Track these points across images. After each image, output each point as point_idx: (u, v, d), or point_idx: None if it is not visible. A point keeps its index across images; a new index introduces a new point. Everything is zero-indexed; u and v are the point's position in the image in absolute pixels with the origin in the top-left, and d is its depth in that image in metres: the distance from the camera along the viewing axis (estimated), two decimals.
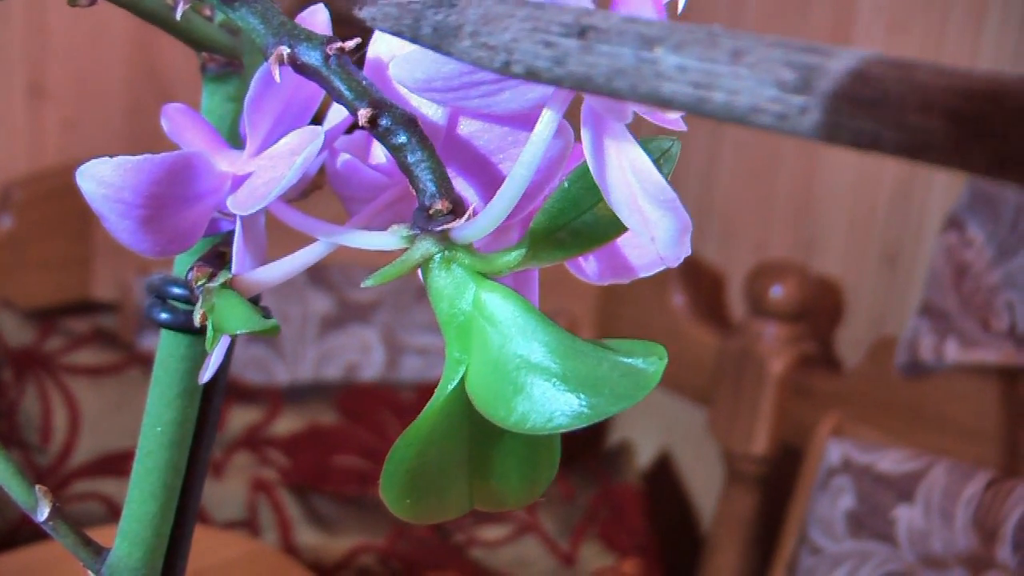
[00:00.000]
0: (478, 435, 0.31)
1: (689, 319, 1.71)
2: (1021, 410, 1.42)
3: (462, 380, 0.29)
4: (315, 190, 0.34)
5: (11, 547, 1.37)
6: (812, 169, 1.67)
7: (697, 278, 1.76)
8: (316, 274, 1.74)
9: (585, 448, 1.86)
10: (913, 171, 1.59)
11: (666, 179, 0.29)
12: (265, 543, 1.51)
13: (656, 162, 0.30)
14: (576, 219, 0.29)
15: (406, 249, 0.29)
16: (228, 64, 0.36)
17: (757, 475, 1.63)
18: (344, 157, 0.32)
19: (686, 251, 0.31)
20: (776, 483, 1.63)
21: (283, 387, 1.71)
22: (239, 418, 1.64)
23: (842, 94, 0.21)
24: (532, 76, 0.23)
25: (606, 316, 1.81)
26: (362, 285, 0.28)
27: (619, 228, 0.29)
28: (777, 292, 1.56)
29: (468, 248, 0.29)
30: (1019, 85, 0.20)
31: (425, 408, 0.29)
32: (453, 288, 0.28)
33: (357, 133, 0.34)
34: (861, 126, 0.21)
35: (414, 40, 0.26)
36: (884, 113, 0.21)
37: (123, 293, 1.80)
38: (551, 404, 0.27)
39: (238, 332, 0.29)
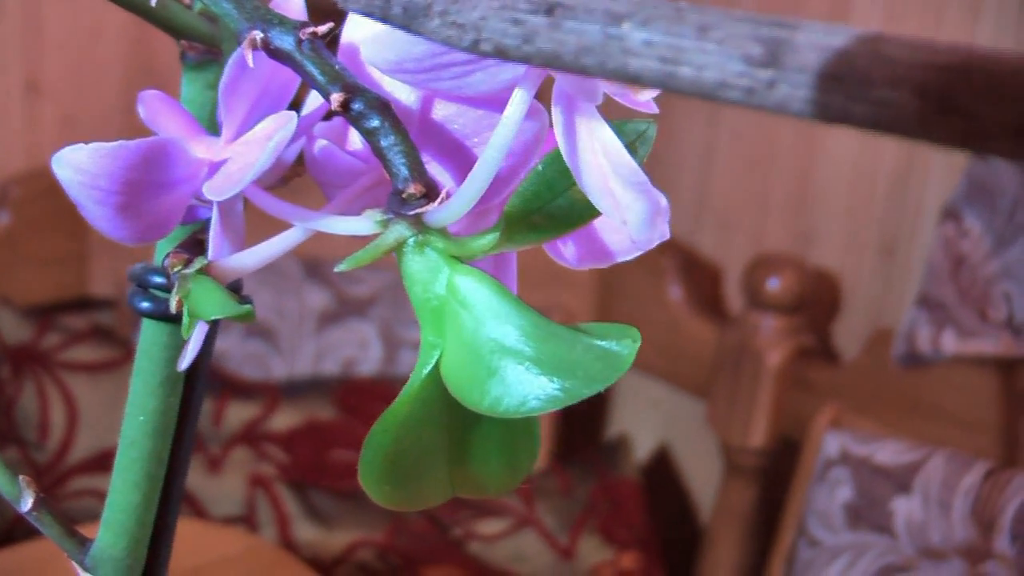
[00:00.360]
0: (455, 420, 0.31)
1: (687, 312, 1.71)
2: (1018, 400, 1.42)
3: (437, 364, 0.29)
4: (294, 177, 0.34)
5: (7, 544, 1.37)
6: (809, 161, 1.67)
7: (694, 271, 1.76)
8: (313, 269, 1.74)
9: (583, 442, 1.86)
10: (910, 162, 1.59)
11: (639, 161, 0.29)
12: (263, 538, 1.51)
13: (631, 144, 0.30)
14: (551, 202, 0.29)
15: (380, 234, 0.29)
16: (207, 52, 0.36)
17: (755, 467, 1.63)
18: (321, 143, 0.32)
19: (661, 235, 0.31)
20: (774, 475, 1.63)
21: (281, 382, 1.71)
22: (237, 414, 1.64)
23: (809, 68, 0.21)
24: (501, 54, 0.23)
25: (603, 310, 1.81)
26: (335, 269, 0.28)
27: (594, 211, 0.29)
28: (774, 284, 1.56)
29: (442, 232, 0.29)
30: (987, 59, 0.20)
31: (400, 393, 0.29)
32: (427, 272, 0.28)
33: (335, 120, 0.33)
34: (829, 100, 0.21)
35: (384, 20, 0.26)
36: (852, 87, 0.20)
37: (120, 290, 1.80)
38: (524, 387, 0.27)
39: (213, 317, 0.29)
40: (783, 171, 1.70)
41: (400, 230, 0.28)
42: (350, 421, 1.66)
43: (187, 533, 1.36)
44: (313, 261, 1.73)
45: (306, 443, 1.64)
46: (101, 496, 1.54)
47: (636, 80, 0.21)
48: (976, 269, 1.43)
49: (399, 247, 0.29)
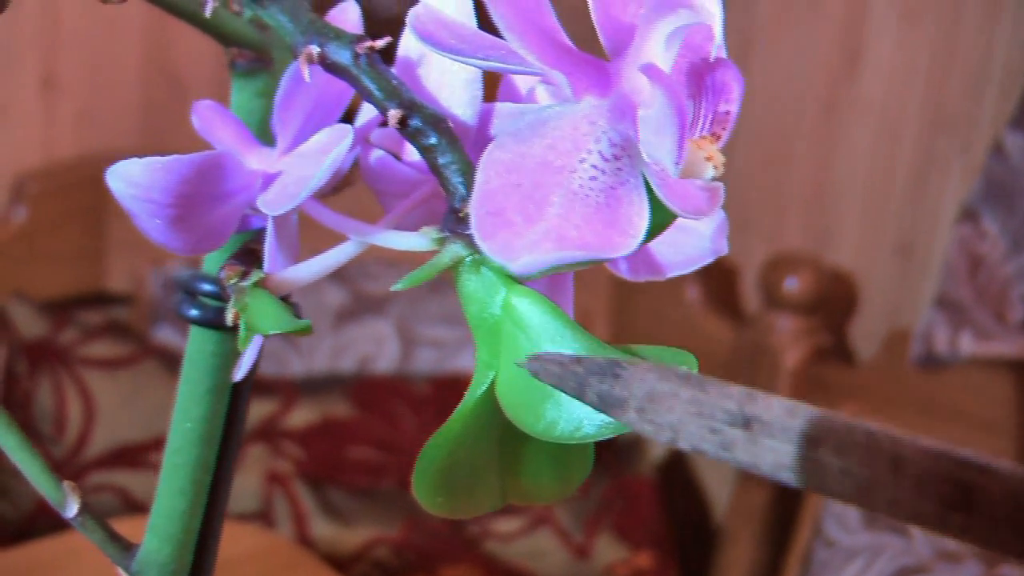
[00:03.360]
0: (509, 435, 0.31)
1: (703, 312, 1.71)
2: None
3: (492, 384, 0.29)
4: (347, 186, 0.34)
5: (27, 539, 1.37)
6: (826, 161, 1.67)
7: (711, 271, 1.76)
8: None
9: (599, 441, 1.86)
10: (928, 162, 1.59)
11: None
12: (280, 535, 1.52)
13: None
14: None
15: (436, 252, 0.29)
16: (257, 59, 0.36)
17: None
18: (377, 153, 0.32)
19: (723, 248, 0.32)
20: None
21: (298, 379, 1.71)
22: (254, 410, 1.65)
23: (999, 516, 0.21)
24: (699, 453, 0.24)
25: (621, 310, 1.81)
26: (392, 288, 0.28)
27: (654, 233, 0.29)
28: (791, 284, 1.56)
29: None
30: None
31: (456, 411, 0.29)
32: (483, 292, 0.28)
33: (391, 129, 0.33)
34: (1018, 547, 0.21)
35: (579, 400, 0.27)
36: None
37: (137, 285, 1.80)
38: (580, 412, 0.27)
39: (272, 332, 0.29)
40: (800, 171, 1.70)
41: (456, 249, 0.28)
42: (367, 418, 1.66)
43: None
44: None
45: (323, 440, 1.64)
46: (118, 492, 1.55)
47: (833, 499, 0.22)
48: (993, 270, 1.43)
49: (455, 266, 0.29)
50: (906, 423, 1.49)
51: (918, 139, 1.60)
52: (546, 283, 0.33)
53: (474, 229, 0.25)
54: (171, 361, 1.63)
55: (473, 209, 0.25)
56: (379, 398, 1.68)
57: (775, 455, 0.23)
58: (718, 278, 1.78)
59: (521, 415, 0.28)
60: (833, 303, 1.65)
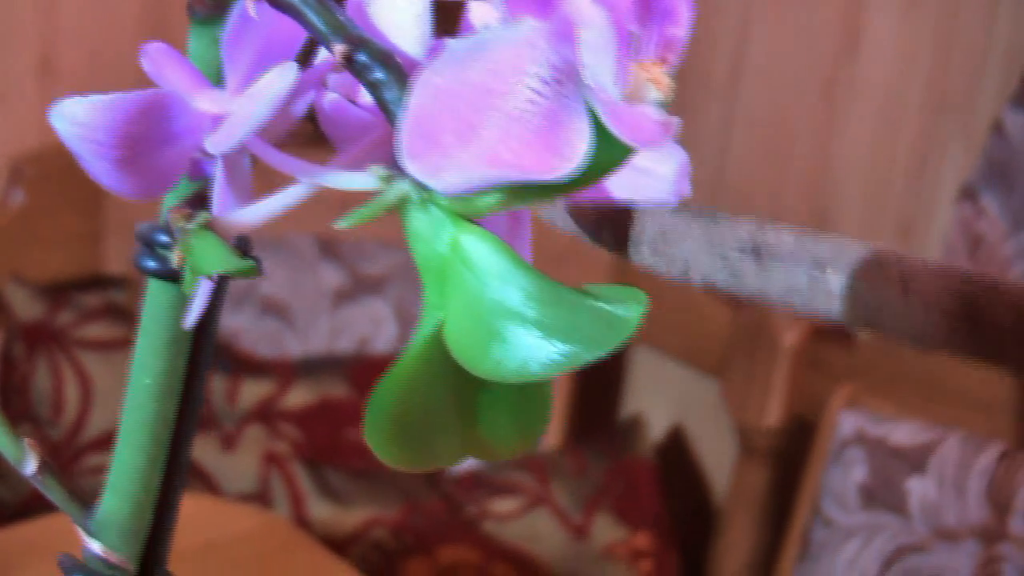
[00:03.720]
0: (463, 382, 0.31)
1: (702, 291, 1.70)
2: None
3: (440, 325, 0.28)
4: (304, 132, 0.34)
5: (23, 518, 1.37)
6: (826, 141, 1.66)
7: None
8: (328, 247, 1.73)
9: (598, 421, 1.86)
10: (928, 143, 1.58)
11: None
12: (277, 515, 1.51)
13: None
14: None
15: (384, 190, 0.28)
16: (216, 6, 0.36)
17: (770, 448, 1.62)
18: (331, 96, 0.32)
19: (686, 190, 0.31)
20: (789, 456, 1.62)
21: (295, 360, 1.71)
22: (251, 392, 1.64)
23: (1004, 327, 0.21)
24: (709, 285, 0.25)
25: None
26: (336, 226, 0.27)
27: (606, 168, 0.28)
28: None
29: None
30: None
31: (402, 353, 0.29)
32: (430, 230, 0.28)
33: (348, 72, 0.33)
34: (1021, 357, 0.22)
35: (595, 241, 0.27)
36: None
37: (134, 268, 1.79)
38: (526, 351, 0.27)
39: (214, 272, 0.29)
40: (800, 152, 1.69)
41: (403, 186, 0.28)
42: (365, 399, 1.65)
43: (200, 509, 1.36)
44: (328, 239, 1.73)
45: (321, 421, 1.64)
46: None
47: (837, 319, 0.23)
48: (993, 250, 1.42)
49: (402, 204, 0.28)
50: (905, 402, 1.48)
51: (918, 119, 1.59)
52: (504, 227, 0.32)
53: (402, 150, 0.24)
54: None
55: (403, 131, 0.24)
56: (377, 379, 1.68)
57: (785, 279, 0.23)
58: None
59: (468, 355, 0.27)
60: None
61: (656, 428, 1.85)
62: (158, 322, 0.37)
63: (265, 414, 1.63)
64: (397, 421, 0.30)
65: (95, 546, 0.40)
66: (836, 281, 0.22)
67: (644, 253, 0.25)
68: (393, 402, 0.29)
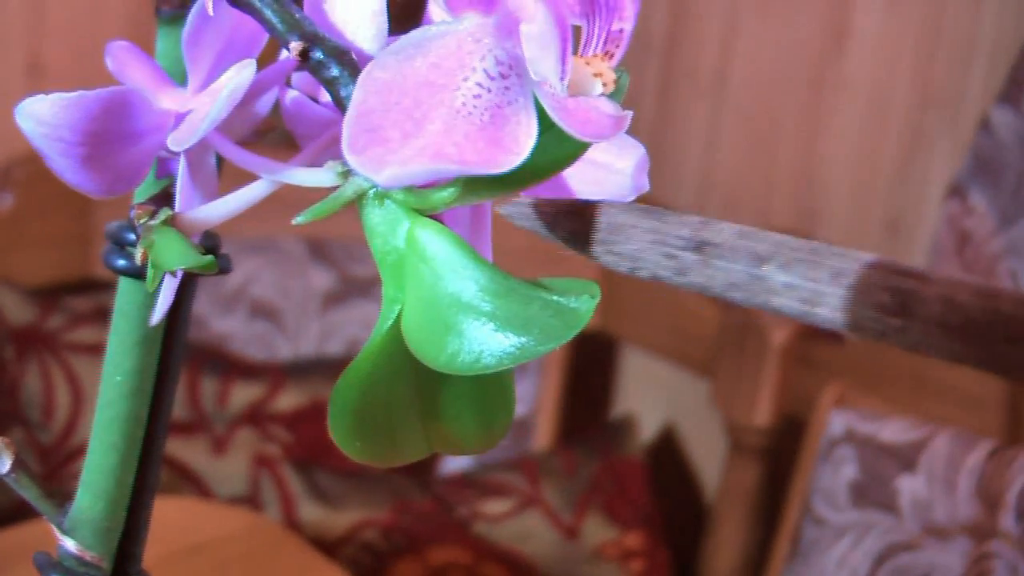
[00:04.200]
0: (424, 376, 0.31)
1: (691, 291, 1.70)
2: None
3: (398, 319, 0.29)
4: (268, 131, 0.34)
5: (16, 523, 1.37)
6: (814, 138, 1.66)
7: None
8: (317, 250, 1.74)
9: (588, 421, 1.86)
10: (915, 140, 1.58)
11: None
12: (266, 517, 1.51)
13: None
14: None
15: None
16: (182, 6, 0.36)
17: (760, 446, 1.63)
18: (292, 94, 0.32)
19: (644, 186, 0.32)
20: (779, 454, 1.62)
21: (285, 363, 1.71)
22: (241, 394, 1.64)
23: (934, 319, 0.22)
24: (656, 280, 0.25)
25: (608, 290, 1.80)
26: (293, 222, 0.28)
27: (560, 163, 0.28)
28: None
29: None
30: None
31: (363, 348, 0.29)
32: (386, 224, 0.28)
33: None
34: (952, 347, 0.23)
35: (550, 237, 0.28)
36: (970, 339, 0.22)
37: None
38: (480, 344, 0.27)
39: (176, 268, 0.29)
40: (788, 149, 1.69)
41: (359, 182, 0.28)
42: None
43: (189, 511, 1.36)
44: (317, 242, 1.73)
45: (311, 423, 1.64)
46: None
47: (778, 313, 0.23)
48: (981, 246, 1.42)
49: (359, 199, 0.28)
50: (894, 400, 1.49)
51: (905, 116, 1.60)
52: (466, 223, 0.32)
53: (345, 145, 0.25)
54: None
55: (346, 126, 0.24)
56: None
57: (726, 275, 0.24)
58: None
59: (424, 348, 0.28)
60: None
61: (647, 428, 1.85)
62: (128, 320, 0.38)
63: (255, 417, 1.63)
64: (359, 415, 0.30)
65: (69, 544, 0.40)
66: (774, 276, 0.23)
67: (596, 250, 0.26)
68: (355, 396, 0.29)
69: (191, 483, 1.58)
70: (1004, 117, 1.42)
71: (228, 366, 1.67)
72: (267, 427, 1.62)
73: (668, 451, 1.84)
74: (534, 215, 0.27)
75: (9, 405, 1.61)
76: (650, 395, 1.87)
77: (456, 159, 0.24)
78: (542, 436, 1.75)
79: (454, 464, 1.75)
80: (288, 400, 1.65)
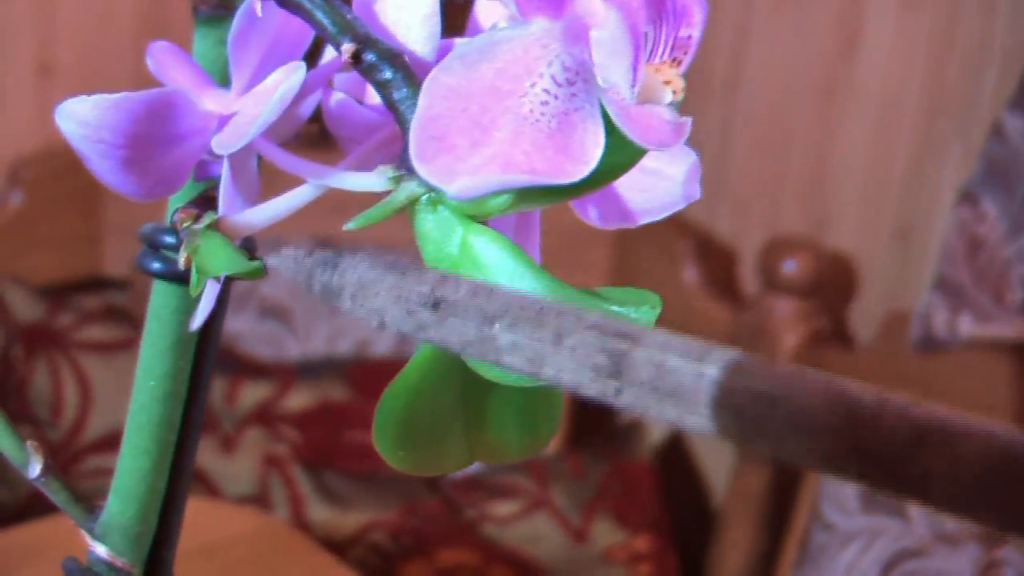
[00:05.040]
0: (471, 385, 0.30)
1: (702, 295, 1.70)
2: None
3: None
4: (312, 133, 0.34)
5: (22, 521, 1.37)
6: (825, 144, 1.66)
7: (710, 254, 1.75)
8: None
9: (597, 425, 1.86)
10: (926, 145, 1.58)
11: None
12: (275, 517, 1.51)
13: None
14: None
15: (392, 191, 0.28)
16: (220, 6, 0.35)
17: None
18: (337, 96, 0.32)
19: (696, 193, 0.31)
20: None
21: (295, 363, 1.71)
22: (251, 394, 1.64)
23: (645, 382, 0.22)
24: (404, 337, 0.25)
25: None
26: (344, 227, 0.27)
27: (617, 170, 0.28)
28: (790, 267, 1.55)
29: None
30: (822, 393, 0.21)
31: (412, 358, 0.28)
32: (439, 231, 0.28)
33: (355, 72, 0.33)
34: (666, 412, 0.22)
35: (309, 291, 0.28)
36: (684, 405, 0.22)
37: (133, 270, 1.79)
38: None
39: (221, 273, 0.28)
40: (799, 154, 1.69)
41: (412, 187, 0.28)
42: (364, 402, 1.66)
43: (197, 511, 1.36)
44: (327, 241, 1.73)
45: (320, 424, 1.64)
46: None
47: (510, 371, 0.24)
48: (993, 253, 1.42)
49: (411, 204, 0.28)
50: None
51: (917, 122, 1.59)
52: (512, 227, 0.32)
53: (412, 154, 0.24)
54: None
55: (413, 134, 0.24)
56: (377, 382, 1.68)
57: (460, 333, 0.24)
58: (717, 261, 1.77)
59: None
60: (832, 286, 1.64)
61: (655, 431, 1.84)
62: (163, 324, 0.37)
63: (265, 417, 1.62)
64: (405, 425, 0.30)
65: (100, 550, 0.39)
66: (502, 336, 0.23)
67: (347, 305, 0.26)
68: (401, 406, 0.29)
69: (200, 483, 1.58)
70: (1016, 123, 1.42)
71: (237, 366, 1.66)
72: (276, 427, 1.62)
73: (677, 455, 1.84)
74: (295, 267, 0.28)
75: (18, 403, 1.61)
76: None
77: (526, 168, 0.24)
78: (551, 440, 1.75)
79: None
80: (297, 400, 1.65)
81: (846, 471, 0.20)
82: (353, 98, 0.32)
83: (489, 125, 0.24)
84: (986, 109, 1.53)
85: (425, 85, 0.25)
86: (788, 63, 1.68)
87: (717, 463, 1.79)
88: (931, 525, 1.37)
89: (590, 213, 0.32)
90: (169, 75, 0.31)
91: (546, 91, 0.25)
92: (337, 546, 1.51)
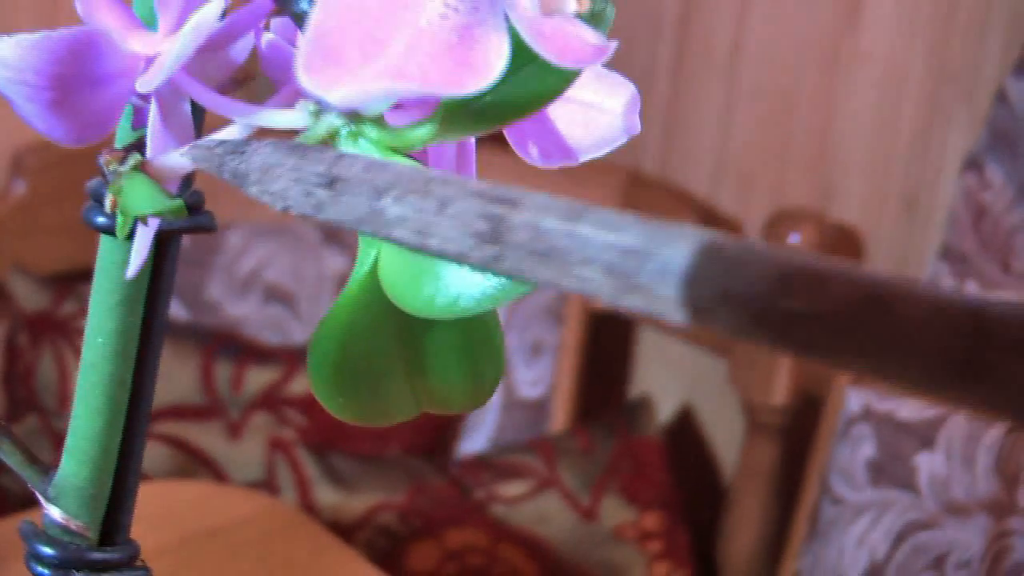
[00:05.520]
0: (407, 328, 0.30)
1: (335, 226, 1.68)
2: None
3: (375, 264, 0.27)
4: (247, 79, 0.33)
5: (27, 510, 1.37)
6: (828, 115, 1.65)
7: (714, 227, 1.74)
8: (331, 233, 1.73)
9: (605, 402, 1.85)
10: (931, 114, 1.56)
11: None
12: (281, 500, 1.51)
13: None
14: (493, 88, 0.27)
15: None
16: None
17: (778, 425, 1.61)
18: (268, 37, 0.31)
19: (636, 126, 0.30)
20: (797, 433, 1.61)
21: (300, 347, 1.70)
22: (256, 379, 1.64)
23: (523, 246, 0.22)
24: (305, 218, 0.26)
25: None
26: None
27: (542, 97, 0.27)
28: (795, 240, 1.54)
29: (378, 122, 0.27)
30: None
31: (340, 296, 0.28)
32: None
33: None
34: (541, 275, 0.22)
35: (218, 176, 0.28)
36: (559, 266, 0.22)
37: None
38: (458, 286, 0.26)
39: (144, 213, 0.28)
40: (802, 126, 1.68)
41: (332, 120, 0.27)
42: None
43: (204, 496, 1.36)
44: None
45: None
46: None
47: (401, 245, 0.24)
48: (998, 220, 1.41)
49: (331, 138, 0.27)
50: None
51: (921, 90, 1.58)
52: (450, 162, 0.31)
53: (299, 66, 0.23)
54: (171, 332, 1.62)
55: (302, 47, 0.23)
56: None
57: (353, 209, 0.25)
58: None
59: (400, 292, 0.27)
60: (838, 258, 1.63)
61: (664, 408, 1.84)
62: (109, 279, 0.37)
63: (270, 401, 1.62)
64: (340, 369, 0.29)
65: (54, 512, 0.39)
66: (390, 208, 0.23)
67: (253, 190, 0.26)
68: (334, 348, 0.28)
69: (206, 468, 1.57)
70: (1021, 89, 1.41)
71: (242, 350, 1.66)
72: (282, 411, 1.62)
73: (685, 431, 1.83)
74: (207, 156, 0.27)
75: (24, 391, 1.61)
76: (667, 375, 1.86)
77: (419, 79, 0.23)
78: (559, 417, 1.74)
79: (470, 446, 1.74)
80: (303, 384, 1.64)
81: (715, 318, 0.20)
82: (287, 41, 0.32)
83: (384, 38, 0.23)
84: (990, 75, 1.51)
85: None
86: (791, 34, 1.67)
87: (726, 439, 1.79)
88: (940, 497, 1.36)
89: (530, 150, 0.31)
90: (96, 16, 0.31)
91: (446, 4, 0.24)
92: (345, 529, 1.51)
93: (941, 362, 0.18)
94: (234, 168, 0.27)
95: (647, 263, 0.20)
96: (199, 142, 0.28)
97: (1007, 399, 0.18)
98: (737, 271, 0.19)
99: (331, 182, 0.25)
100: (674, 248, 0.20)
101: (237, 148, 0.27)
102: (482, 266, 0.22)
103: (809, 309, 0.19)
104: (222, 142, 0.27)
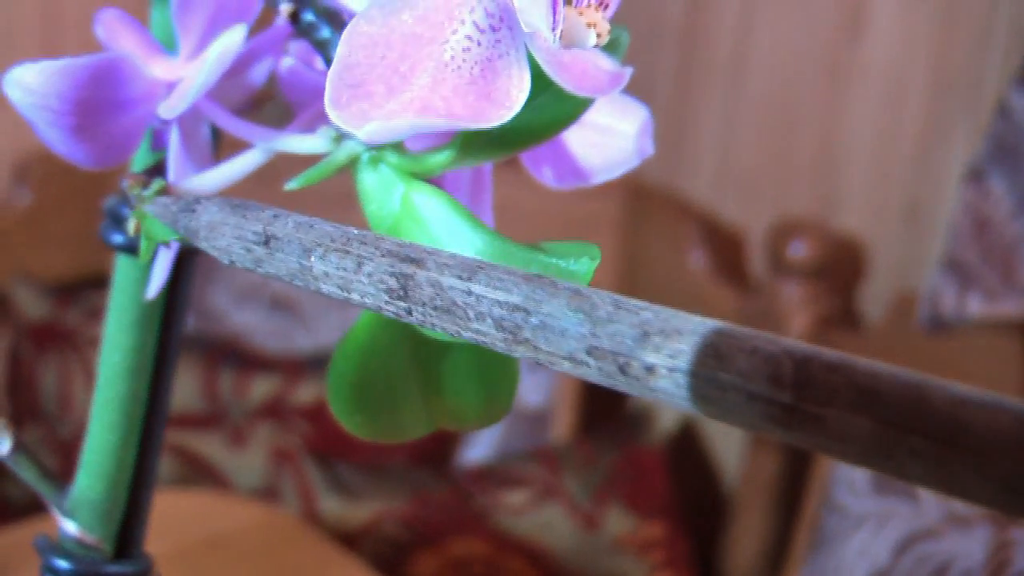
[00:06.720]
0: (424, 348, 0.30)
1: (709, 279, 1.69)
2: None
3: None
4: (266, 100, 0.33)
5: (31, 517, 1.37)
6: (831, 125, 1.65)
7: (716, 237, 1.75)
8: None
9: (608, 412, 1.85)
10: (934, 125, 1.57)
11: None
12: (283, 509, 1.51)
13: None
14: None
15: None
16: None
17: None
18: (287, 61, 0.31)
19: (648, 149, 0.31)
20: None
21: (304, 355, 1.71)
22: (261, 387, 1.64)
23: (427, 302, 0.24)
24: (249, 271, 0.27)
25: (625, 277, 1.79)
26: (285, 187, 0.27)
27: (558, 123, 0.28)
28: (797, 249, 1.55)
29: (397, 147, 0.28)
30: None
31: (359, 317, 0.28)
32: (381, 189, 0.27)
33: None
34: (447, 327, 0.24)
35: (172, 233, 0.30)
36: (458, 320, 0.24)
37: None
38: None
39: (168, 239, 0.28)
40: (806, 135, 1.68)
41: (353, 146, 0.27)
42: None
43: (207, 504, 1.36)
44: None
45: (330, 416, 1.63)
46: None
47: (330, 299, 0.26)
48: (1000, 230, 1.41)
49: (353, 164, 0.28)
50: None
51: (923, 101, 1.58)
52: (466, 191, 0.32)
53: (327, 101, 0.24)
54: None
55: (329, 82, 0.24)
56: None
57: (285, 266, 0.26)
58: (724, 245, 1.76)
59: None
60: (840, 268, 1.63)
61: (666, 417, 1.84)
62: (126, 297, 0.37)
63: (274, 410, 1.63)
64: (358, 389, 0.29)
65: (70, 526, 0.39)
66: (317, 266, 0.25)
67: (203, 244, 0.28)
68: (353, 368, 0.29)
69: (210, 476, 1.58)
70: (1022, 101, 1.41)
71: (246, 359, 1.66)
72: (286, 420, 1.62)
73: (687, 441, 1.84)
74: (165, 213, 0.29)
75: (27, 399, 1.61)
76: None
77: (444, 113, 0.23)
78: (561, 427, 1.75)
79: (473, 455, 1.74)
80: (307, 392, 1.65)
81: (590, 372, 0.22)
82: (305, 64, 0.32)
83: (408, 72, 0.24)
84: (992, 86, 1.52)
85: (345, 34, 0.25)
86: (793, 44, 1.68)
87: (728, 449, 1.79)
88: (942, 507, 1.36)
89: (545, 173, 0.32)
90: (118, 42, 0.31)
91: (468, 37, 0.24)
92: (348, 538, 1.52)
93: None
94: (186, 225, 0.28)
95: (530, 318, 0.21)
96: (159, 201, 0.29)
97: None
98: (603, 327, 0.21)
99: (266, 240, 0.26)
100: (552, 305, 0.22)
101: (189, 207, 0.28)
102: (398, 317, 0.23)
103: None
104: (176, 201, 0.29)
